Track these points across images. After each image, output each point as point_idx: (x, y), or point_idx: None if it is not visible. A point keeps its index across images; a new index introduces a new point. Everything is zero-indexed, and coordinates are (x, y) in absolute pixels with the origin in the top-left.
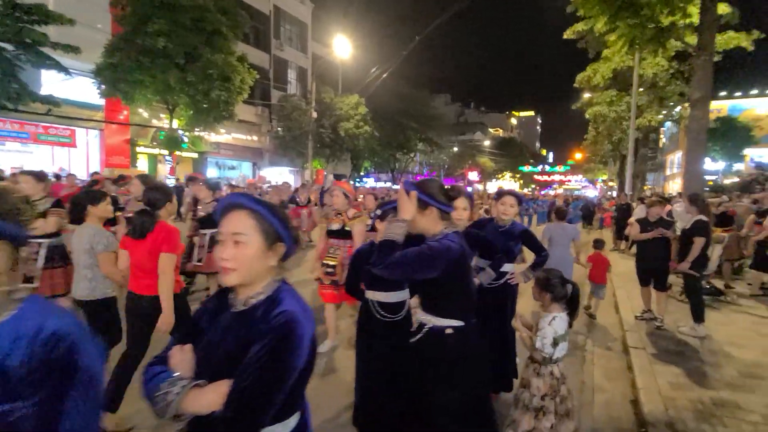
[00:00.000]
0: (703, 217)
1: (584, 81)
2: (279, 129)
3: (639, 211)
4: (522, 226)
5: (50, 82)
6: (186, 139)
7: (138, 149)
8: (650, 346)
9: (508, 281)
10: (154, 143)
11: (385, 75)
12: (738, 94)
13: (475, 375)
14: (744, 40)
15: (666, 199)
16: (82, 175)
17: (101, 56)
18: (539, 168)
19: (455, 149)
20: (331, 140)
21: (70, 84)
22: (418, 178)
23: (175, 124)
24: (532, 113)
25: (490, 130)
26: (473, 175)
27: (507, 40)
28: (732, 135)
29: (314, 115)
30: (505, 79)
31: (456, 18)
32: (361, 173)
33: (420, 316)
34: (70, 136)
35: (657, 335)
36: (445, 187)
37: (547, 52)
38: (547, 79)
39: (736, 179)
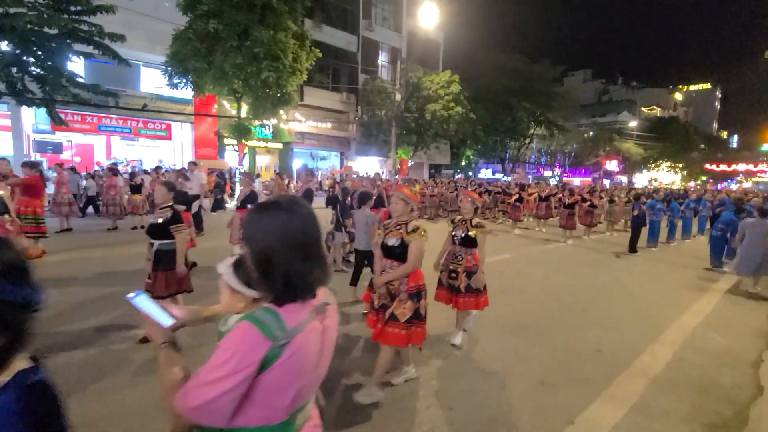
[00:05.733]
0: None
1: None
2: (364, 116)
3: None
4: None
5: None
6: (258, 129)
7: (226, 141)
8: None
9: None
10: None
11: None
12: None
13: None
14: None
15: None
16: (177, 166)
17: (169, 47)
18: (717, 156)
19: (590, 134)
20: (418, 125)
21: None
22: (541, 170)
23: (244, 112)
24: (707, 86)
25: (643, 109)
26: (612, 165)
27: None
28: None
29: (398, 97)
30: (669, 43)
31: None
32: (462, 162)
33: None
34: (165, 130)
35: None
36: None
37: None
38: (729, 34)
39: None
